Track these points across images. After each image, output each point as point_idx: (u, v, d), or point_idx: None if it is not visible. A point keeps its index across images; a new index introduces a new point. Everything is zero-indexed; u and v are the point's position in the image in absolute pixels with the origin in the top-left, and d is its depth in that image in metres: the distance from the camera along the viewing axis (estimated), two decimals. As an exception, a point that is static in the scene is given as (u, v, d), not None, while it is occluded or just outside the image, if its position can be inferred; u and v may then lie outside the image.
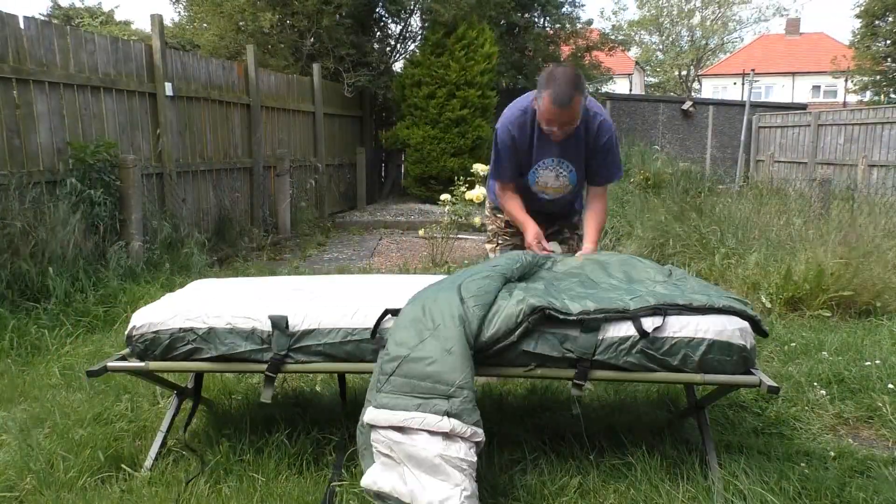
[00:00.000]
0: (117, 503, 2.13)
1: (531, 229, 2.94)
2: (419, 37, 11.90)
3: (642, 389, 3.08)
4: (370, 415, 1.91)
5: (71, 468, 2.27)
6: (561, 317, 2.07)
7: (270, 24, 9.31)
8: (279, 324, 2.16)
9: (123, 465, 2.30)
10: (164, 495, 2.14)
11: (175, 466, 2.33)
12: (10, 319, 3.70)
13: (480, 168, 5.80)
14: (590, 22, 14.10)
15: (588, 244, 2.97)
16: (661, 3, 36.12)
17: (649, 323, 2.09)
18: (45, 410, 2.80)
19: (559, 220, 3.22)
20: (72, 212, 4.51)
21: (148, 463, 2.33)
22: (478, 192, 5.56)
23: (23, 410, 2.84)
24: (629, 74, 35.17)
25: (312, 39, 10.19)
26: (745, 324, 2.14)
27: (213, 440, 2.51)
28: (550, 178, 2.94)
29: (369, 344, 2.14)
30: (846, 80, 24.13)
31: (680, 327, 2.10)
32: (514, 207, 3.00)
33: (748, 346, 2.09)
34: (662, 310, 2.11)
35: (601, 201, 3.04)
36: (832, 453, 2.52)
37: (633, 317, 2.09)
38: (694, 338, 2.08)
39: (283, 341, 2.17)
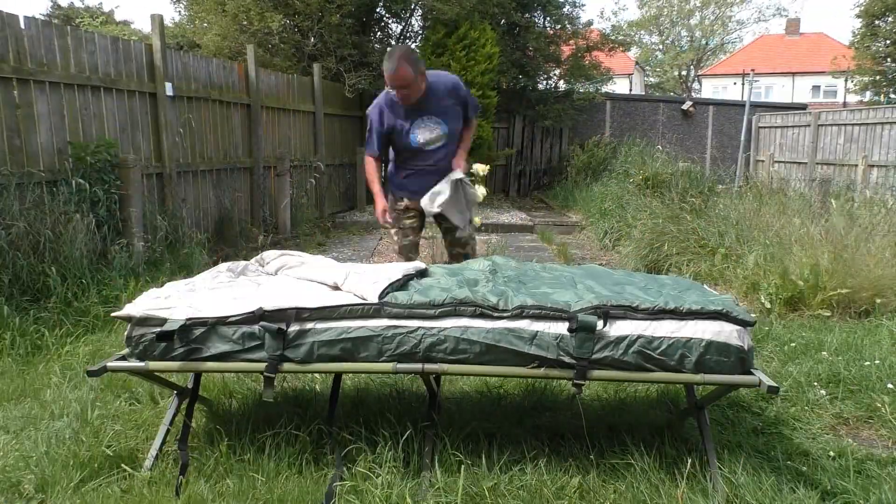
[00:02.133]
0: (117, 503, 2.13)
1: (380, 204, 3.68)
2: (420, 37, 11.91)
3: (642, 389, 3.08)
4: None
5: (71, 468, 2.28)
6: (496, 314, 2.19)
7: (278, 25, 9.30)
8: (270, 328, 2.17)
9: (123, 465, 2.30)
10: (164, 495, 2.14)
11: (175, 466, 2.33)
12: (14, 318, 3.70)
13: (480, 168, 5.80)
14: (590, 22, 14.11)
15: (461, 151, 3.83)
16: (661, 3, 36.11)
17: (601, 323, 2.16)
18: (46, 410, 2.80)
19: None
20: (74, 211, 4.51)
21: (148, 463, 2.34)
22: (478, 192, 5.55)
23: (23, 410, 2.84)
24: (629, 74, 35.16)
25: (314, 39, 10.19)
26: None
27: (213, 440, 2.51)
28: (426, 133, 3.63)
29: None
30: (846, 80, 24.13)
31: (677, 328, 2.11)
32: (375, 178, 3.74)
33: (746, 347, 2.10)
34: (603, 309, 2.14)
35: (469, 128, 3.89)
36: (832, 453, 2.52)
37: (571, 317, 2.13)
38: (692, 338, 2.09)
39: (278, 343, 2.18)
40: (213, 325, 2.20)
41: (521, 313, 2.17)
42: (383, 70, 3.41)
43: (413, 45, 12.07)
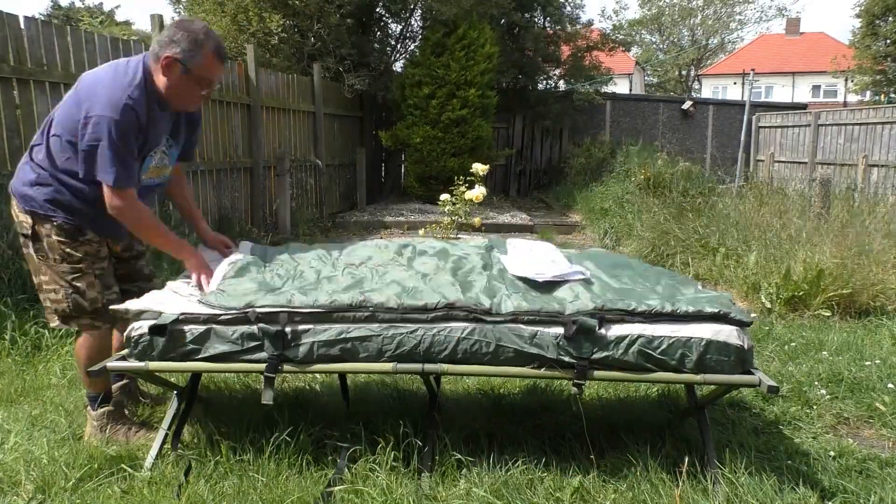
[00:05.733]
0: (117, 503, 2.13)
1: (195, 258, 2.51)
2: (419, 37, 11.91)
3: (642, 389, 3.08)
4: None
5: (71, 468, 2.27)
6: (489, 318, 2.14)
7: (277, 25, 9.31)
8: (272, 328, 2.16)
9: (123, 465, 2.30)
10: (164, 495, 2.14)
11: (175, 466, 2.33)
12: (14, 318, 3.69)
13: (480, 168, 5.81)
14: (590, 22, 14.12)
15: (203, 223, 2.84)
16: (662, 2, 36.09)
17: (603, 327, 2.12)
18: (46, 410, 2.80)
19: None
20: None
21: (148, 463, 2.33)
22: (478, 192, 5.56)
23: (23, 410, 2.84)
24: (629, 74, 35.16)
25: (314, 40, 10.19)
26: (743, 324, 2.17)
27: (213, 440, 2.50)
28: (159, 158, 2.54)
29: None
30: (846, 80, 24.14)
31: (678, 327, 2.11)
32: (161, 227, 2.52)
33: (745, 347, 2.10)
34: (599, 314, 2.12)
35: (183, 177, 2.92)
36: (832, 453, 2.52)
37: (565, 322, 2.12)
38: (692, 338, 2.08)
39: (278, 342, 2.18)
40: (211, 327, 2.20)
41: (514, 318, 2.15)
42: (208, 55, 2.34)
43: (413, 45, 12.08)
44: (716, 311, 2.13)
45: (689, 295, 2.27)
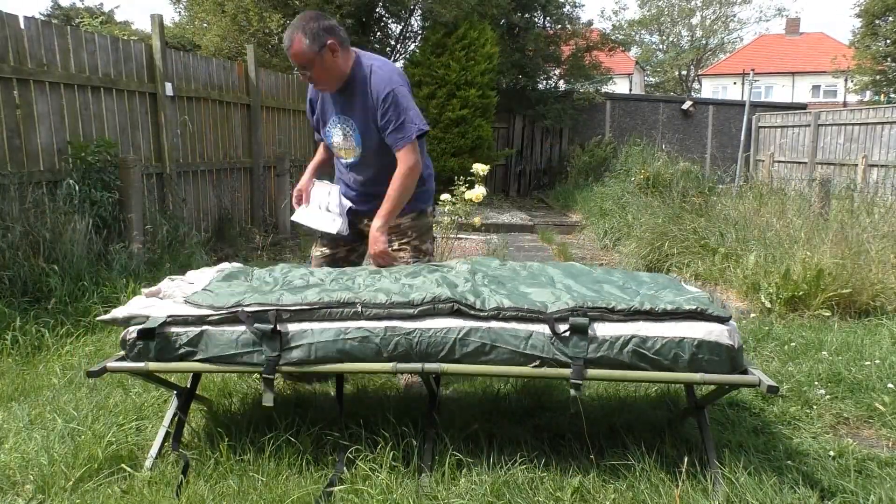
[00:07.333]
0: (117, 503, 2.13)
1: (301, 181, 3.11)
2: (419, 37, 11.92)
3: (642, 389, 3.08)
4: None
5: (71, 468, 2.27)
6: (472, 312, 2.18)
7: (277, 25, 9.33)
8: (265, 328, 2.16)
9: (123, 465, 2.30)
10: (164, 495, 2.14)
11: (175, 466, 2.33)
12: (14, 318, 3.69)
13: (480, 168, 5.80)
14: (590, 22, 14.13)
15: (377, 219, 2.72)
16: (662, 2, 36.09)
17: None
18: (46, 410, 2.80)
19: (374, 206, 2.81)
20: (74, 212, 4.51)
21: (148, 463, 2.34)
22: (478, 192, 5.55)
23: (23, 410, 2.84)
24: (629, 74, 35.15)
25: (313, 39, 10.20)
26: (733, 324, 2.19)
27: (213, 440, 2.50)
28: (339, 137, 2.81)
29: None
30: (846, 80, 24.15)
31: (670, 327, 2.12)
32: (313, 161, 3.15)
33: (736, 346, 2.12)
34: (581, 311, 2.15)
35: (399, 169, 2.68)
36: (832, 453, 2.52)
37: (547, 318, 2.14)
38: (685, 337, 2.11)
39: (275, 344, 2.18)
40: (205, 329, 2.19)
41: (497, 314, 2.17)
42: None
43: (413, 45, 12.09)
44: (693, 308, 2.15)
45: (669, 297, 2.29)
